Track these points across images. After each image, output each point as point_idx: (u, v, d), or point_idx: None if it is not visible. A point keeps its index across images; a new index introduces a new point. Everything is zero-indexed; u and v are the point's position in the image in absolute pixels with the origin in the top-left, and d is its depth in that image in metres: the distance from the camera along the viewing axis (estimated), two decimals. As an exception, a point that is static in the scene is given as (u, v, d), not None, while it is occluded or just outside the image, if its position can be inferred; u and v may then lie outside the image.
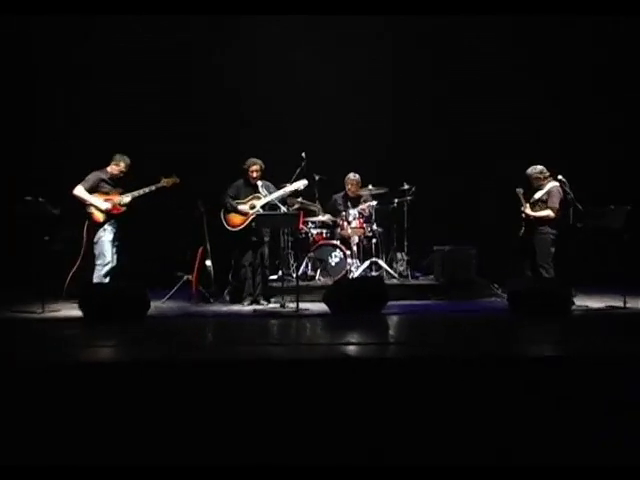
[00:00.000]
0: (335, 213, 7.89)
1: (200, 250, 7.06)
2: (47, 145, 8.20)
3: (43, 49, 8.21)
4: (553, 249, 6.69)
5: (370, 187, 7.85)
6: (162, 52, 8.37)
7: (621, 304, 6.18)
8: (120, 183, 6.76)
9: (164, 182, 6.75)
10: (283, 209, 6.85)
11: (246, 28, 8.35)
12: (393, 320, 5.88)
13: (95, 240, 6.56)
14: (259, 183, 6.89)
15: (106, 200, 6.59)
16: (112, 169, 6.71)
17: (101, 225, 6.56)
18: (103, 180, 6.65)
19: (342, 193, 8.06)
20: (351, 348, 4.56)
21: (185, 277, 7.02)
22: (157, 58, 8.38)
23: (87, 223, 6.60)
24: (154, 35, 8.31)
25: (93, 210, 6.55)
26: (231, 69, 8.45)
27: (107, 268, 6.52)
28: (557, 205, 6.66)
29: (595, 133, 8.43)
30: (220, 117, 8.54)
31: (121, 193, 6.68)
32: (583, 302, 6.34)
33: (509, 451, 3.20)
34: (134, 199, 6.68)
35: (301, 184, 6.99)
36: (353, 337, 5.01)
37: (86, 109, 8.29)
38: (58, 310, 6.18)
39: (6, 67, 8.01)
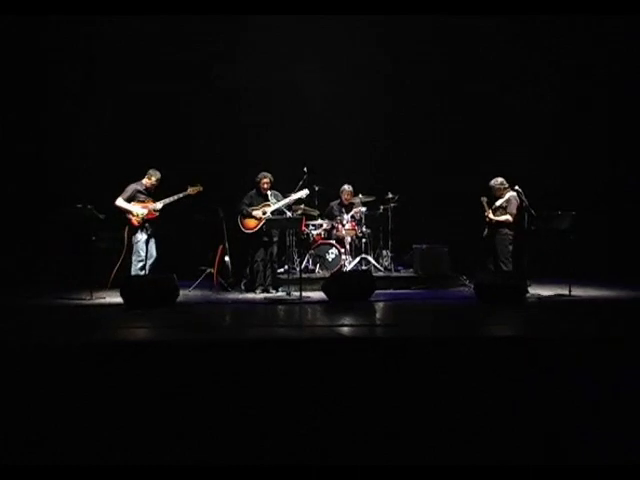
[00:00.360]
0: (331, 217, 7.88)
1: (220, 248, 7.04)
2: (92, 159, 7.96)
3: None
4: (511, 247, 6.67)
5: (361, 196, 7.84)
6: (166, 54, 7.71)
7: (567, 292, 6.19)
8: (153, 193, 6.76)
9: (190, 190, 6.72)
10: (289, 214, 6.86)
11: (252, 42, 7.77)
12: (380, 306, 5.86)
13: (134, 241, 6.58)
14: (269, 193, 6.90)
15: (142, 207, 6.61)
16: (147, 182, 6.73)
17: (138, 228, 6.57)
18: (139, 191, 6.66)
19: (338, 201, 8.04)
20: (345, 329, 4.57)
21: (208, 270, 7.00)
22: (162, 60, 7.77)
23: (127, 227, 6.62)
24: (176, 46, 7.65)
25: (131, 216, 6.57)
26: (236, 79, 7.88)
27: (142, 264, 6.53)
28: (514, 211, 6.65)
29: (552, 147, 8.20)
30: (214, 108, 8.09)
31: (154, 201, 6.68)
32: (536, 291, 6.33)
33: (474, 422, 3.15)
34: (165, 205, 6.66)
35: (303, 193, 7.01)
36: (347, 320, 5.01)
37: (117, 127, 7.93)
38: (104, 298, 6.17)
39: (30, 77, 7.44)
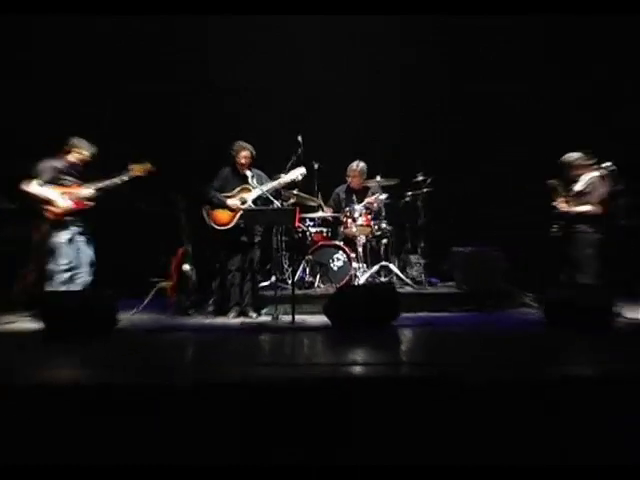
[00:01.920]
0: (337, 209, 7.88)
1: (179, 252, 7.05)
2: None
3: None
4: (594, 251, 6.68)
5: (378, 178, 7.86)
6: (166, 54, 9.04)
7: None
8: (82, 174, 6.73)
9: (135, 170, 6.71)
10: (277, 203, 6.82)
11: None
12: (406, 335, 5.88)
13: (53, 241, 6.53)
14: (248, 173, 6.89)
15: (66, 194, 6.54)
16: (72, 157, 6.67)
17: (60, 224, 6.51)
18: (60, 170, 6.59)
19: (345, 186, 8.06)
20: (357, 368, 4.55)
21: (160, 284, 7.01)
22: (162, 60, 9.03)
23: (41, 221, 6.56)
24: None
25: (49, 206, 6.49)
26: (236, 79, 9.03)
27: (68, 275, 6.51)
28: (598, 199, 6.64)
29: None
30: (203, 91, 9.02)
31: (81, 185, 6.63)
32: (632, 314, 6.30)
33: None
34: (99, 192, 6.64)
35: (298, 173, 7.00)
36: (359, 355, 5.00)
37: (43, 92, 8.55)
38: (12, 322, 6.17)
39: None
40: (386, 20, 8.75)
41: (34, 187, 6.47)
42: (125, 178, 6.70)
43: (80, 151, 6.68)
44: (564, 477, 3.30)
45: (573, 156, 6.84)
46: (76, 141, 6.68)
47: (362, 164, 7.91)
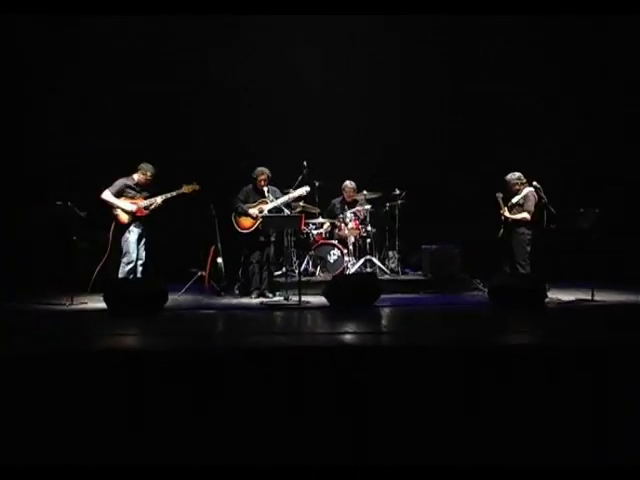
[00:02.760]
0: (333, 216, 7.88)
1: (212, 249, 7.05)
2: (72, 153, 7.96)
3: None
4: (529, 248, 6.66)
5: (365, 192, 7.82)
6: (166, 54, 8.01)
7: (589, 297, 6.17)
8: (145, 189, 6.73)
9: (185, 188, 6.68)
10: (287, 212, 6.85)
11: (249, 36, 8.02)
12: (385, 312, 5.85)
13: (122, 240, 6.55)
14: (266, 189, 6.89)
15: (132, 204, 6.59)
16: (139, 177, 6.68)
17: (127, 226, 6.55)
18: (128, 186, 6.63)
19: (340, 198, 8.04)
20: (348, 337, 4.56)
21: (199, 273, 7.01)
22: (162, 60, 8.03)
23: (113, 224, 6.58)
24: (164, 40, 7.92)
25: (119, 212, 6.54)
26: (236, 79, 8.09)
27: (131, 266, 6.52)
28: (532, 208, 6.63)
29: (568, 141, 8.26)
30: (214, 108, 8.23)
31: (146, 198, 6.66)
32: (556, 295, 6.31)
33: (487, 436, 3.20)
34: (158, 204, 6.64)
35: (304, 190, 7.01)
36: (350, 327, 4.99)
37: (103, 121, 7.99)
38: (85, 303, 6.15)
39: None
40: (386, 20, 7.74)
41: (106, 195, 6.51)
42: (175, 194, 6.65)
43: (145, 173, 6.66)
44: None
45: (515, 175, 6.77)
46: (144, 165, 6.67)
47: (353, 183, 7.90)
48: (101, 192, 6.53)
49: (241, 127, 8.25)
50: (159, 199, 6.63)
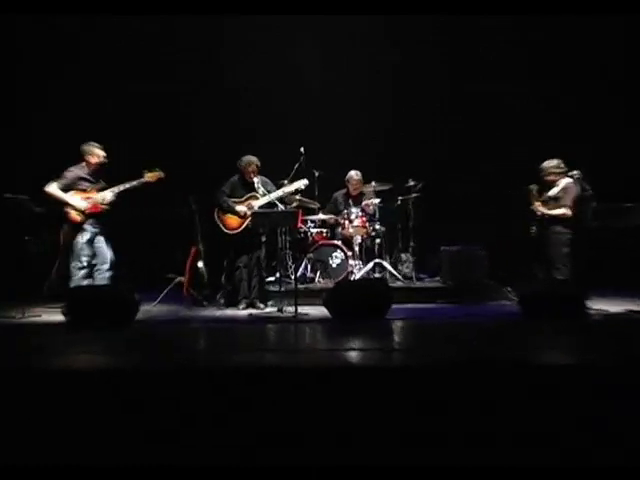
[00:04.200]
0: (336, 212, 7.88)
1: (192, 251, 7.05)
2: (25, 139, 8.27)
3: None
4: (568, 249, 6.66)
5: (373, 184, 7.85)
6: (166, 54, 8.71)
7: (639, 308, 6.18)
8: (101, 179, 6.72)
9: (147, 177, 6.65)
10: (281, 207, 6.83)
11: (246, 24, 8.51)
12: (398, 325, 5.87)
13: (74, 241, 6.52)
14: (255, 180, 6.87)
15: (85, 198, 6.53)
16: (90, 162, 6.62)
17: (79, 225, 6.51)
18: (81, 178, 6.58)
19: (343, 191, 8.07)
20: (353, 355, 4.55)
21: (176, 279, 7.02)
22: (162, 60, 8.70)
23: (64, 223, 6.56)
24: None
25: (70, 209, 6.49)
26: (229, 63, 8.76)
27: (84, 271, 6.51)
28: (571, 203, 6.63)
29: (611, 128, 8.46)
30: (214, 108, 8.72)
31: (100, 189, 6.61)
32: (600, 306, 6.32)
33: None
34: (116, 196, 6.61)
35: (301, 184, 7.01)
36: (355, 343, 4.99)
37: (66, 100, 8.40)
38: (39, 315, 6.17)
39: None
40: (386, 20, 8.40)
41: (53, 189, 6.47)
42: (135, 183, 6.63)
43: (96, 154, 6.62)
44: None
45: (553, 162, 6.78)
46: (86, 147, 6.62)
47: (360, 174, 7.91)
48: (46, 185, 6.45)
49: (241, 127, 8.61)
50: (116, 190, 6.58)
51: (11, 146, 8.23)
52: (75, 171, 6.58)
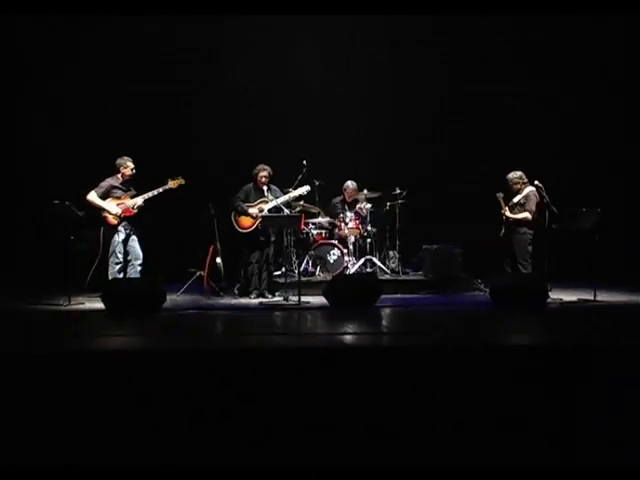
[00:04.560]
0: (333, 215, 7.89)
1: (211, 248, 7.05)
2: (64, 152, 7.94)
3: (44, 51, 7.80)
4: (530, 248, 6.69)
5: (365, 191, 7.84)
6: (166, 54, 8.09)
7: (592, 297, 6.19)
8: (132, 186, 6.74)
9: (171, 183, 6.66)
10: (287, 211, 6.86)
11: (248, 34, 8.07)
12: (386, 312, 5.87)
13: (111, 242, 6.56)
14: (265, 188, 6.89)
15: (118, 205, 6.59)
16: (123, 173, 6.67)
17: (115, 227, 6.56)
18: (115, 187, 6.63)
19: (340, 197, 8.05)
20: (348, 337, 4.58)
21: (198, 273, 7.00)
22: (162, 60, 8.11)
23: (103, 226, 6.61)
24: (157, 36, 7.95)
25: (107, 214, 6.55)
26: (229, 63, 8.18)
27: (119, 266, 6.54)
28: (534, 208, 6.64)
29: (571, 140, 8.29)
30: (214, 108, 8.27)
31: (133, 196, 6.66)
32: (558, 296, 6.33)
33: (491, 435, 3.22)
34: (145, 202, 6.64)
35: (304, 190, 7.03)
36: (350, 327, 5.01)
37: (66, 99, 7.96)
38: (82, 303, 6.17)
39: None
40: (386, 20, 7.78)
41: (92, 197, 6.51)
42: (161, 190, 6.63)
43: (127, 166, 6.65)
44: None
45: (517, 174, 6.77)
46: (121, 161, 6.65)
47: (355, 183, 7.89)
48: (87, 193, 6.52)
49: (241, 127, 8.26)
50: (140, 199, 6.60)
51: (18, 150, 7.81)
52: (110, 181, 6.64)
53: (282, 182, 7.23)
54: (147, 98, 7.98)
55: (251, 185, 7.00)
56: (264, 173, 6.87)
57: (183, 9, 6.85)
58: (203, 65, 8.20)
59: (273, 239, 7.06)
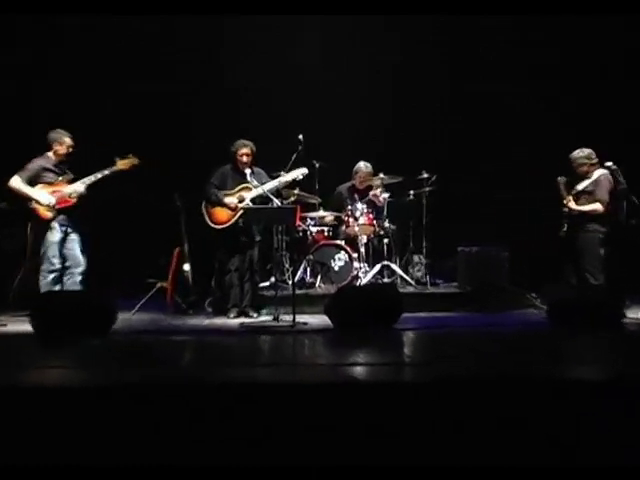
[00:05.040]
0: (339, 208, 7.88)
1: (176, 252, 7.08)
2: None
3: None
4: (602, 251, 6.71)
5: (382, 176, 7.85)
6: (166, 54, 9.10)
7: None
8: (69, 168, 6.75)
9: (120, 164, 6.68)
10: (277, 202, 6.82)
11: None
12: (409, 336, 5.89)
13: (44, 240, 6.54)
14: (248, 171, 6.87)
15: (52, 192, 6.54)
16: (56, 151, 6.65)
17: (48, 223, 6.52)
18: (47, 169, 6.60)
19: (348, 184, 8.09)
20: (358, 369, 4.57)
21: (158, 284, 7.04)
22: (162, 60, 9.08)
23: (31, 220, 6.60)
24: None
25: (36, 205, 6.49)
26: (229, 63, 9.16)
27: (54, 275, 6.54)
28: (607, 197, 6.66)
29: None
30: (214, 108, 8.99)
31: (70, 182, 6.63)
32: (637, 314, 6.31)
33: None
34: (87, 188, 6.62)
35: (299, 173, 7.01)
36: (360, 356, 4.99)
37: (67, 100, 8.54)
38: (4, 325, 6.20)
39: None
40: (386, 20, 8.81)
41: (15, 182, 6.47)
42: (107, 172, 6.66)
43: (62, 142, 6.64)
44: (563, 477, 3.33)
45: (584, 152, 6.82)
46: (53, 134, 6.66)
47: (370, 166, 7.93)
48: (9, 179, 6.48)
49: (241, 127, 8.55)
50: (87, 181, 6.60)
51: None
52: (38, 162, 6.59)
53: (273, 165, 7.37)
54: (147, 98, 8.79)
55: (229, 167, 7.01)
56: (245, 150, 6.87)
57: (183, 9, 7.85)
58: (203, 65, 9.24)
59: (258, 239, 7.08)
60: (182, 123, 9.05)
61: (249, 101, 9.19)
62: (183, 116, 9.10)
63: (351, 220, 7.65)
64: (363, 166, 7.97)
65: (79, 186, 6.59)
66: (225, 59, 9.22)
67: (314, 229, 7.74)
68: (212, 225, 6.90)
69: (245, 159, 6.89)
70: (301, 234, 7.77)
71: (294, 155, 7.38)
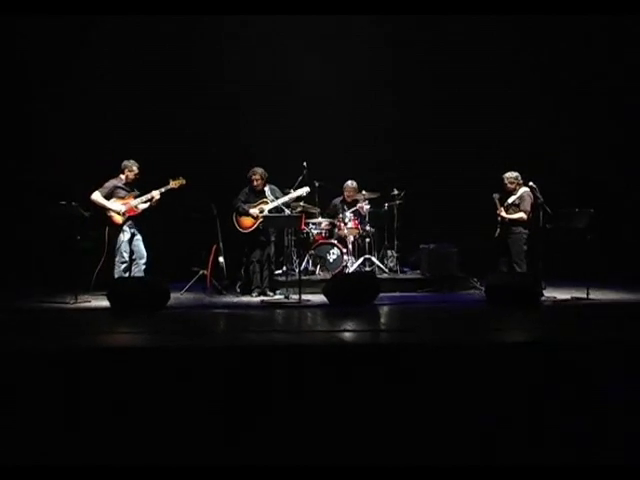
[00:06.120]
0: (333, 215, 7.88)
1: (214, 248, 7.06)
2: (73, 154, 7.84)
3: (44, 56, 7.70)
4: (525, 247, 6.68)
5: (364, 192, 7.83)
6: (166, 54, 8.03)
7: (584, 295, 6.20)
8: (136, 187, 6.76)
9: (172, 184, 6.70)
10: (287, 212, 6.87)
11: (247, 37, 8.05)
12: (384, 310, 5.89)
13: (116, 240, 6.59)
14: (266, 188, 6.90)
15: (123, 204, 6.61)
16: (127, 175, 6.70)
17: (120, 226, 6.58)
18: (119, 187, 6.66)
19: (340, 198, 8.04)
20: (347, 335, 4.59)
21: (201, 272, 6.99)
22: (162, 60, 8.04)
23: (107, 226, 6.62)
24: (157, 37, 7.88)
25: (112, 213, 6.57)
26: (229, 63, 8.13)
27: (124, 265, 6.57)
28: (528, 208, 6.63)
29: (565, 144, 8.30)
30: (213, 108, 8.17)
31: (135, 197, 6.68)
32: (551, 294, 6.34)
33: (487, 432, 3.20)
34: (148, 201, 6.66)
35: (304, 191, 7.03)
36: (349, 325, 5.02)
37: (96, 118, 7.92)
38: (88, 301, 6.17)
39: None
40: (386, 20, 7.75)
41: (96, 196, 6.53)
42: (163, 190, 6.66)
43: (132, 169, 6.68)
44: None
45: (513, 174, 6.76)
46: (126, 162, 6.68)
47: (355, 183, 7.89)
48: (91, 193, 6.54)
49: (241, 127, 8.24)
50: (149, 196, 6.63)
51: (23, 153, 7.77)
52: (113, 182, 6.67)
53: (283, 183, 7.21)
54: (146, 98, 7.96)
55: (248, 187, 6.99)
56: (255, 177, 6.86)
57: (183, 9, 6.84)
58: (203, 65, 8.15)
59: (274, 239, 7.06)
60: (182, 123, 7.99)
61: (249, 101, 8.06)
62: (183, 116, 7.99)
63: (342, 225, 7.61)
64: (350, 183, 7.91)
65: (142, 200, 6.65)
66: (225, 59, 7.88)
67: (315, 231, 7.66)
68: (240, 230, 6.93)
69: (256, 182, 6.86)
70: (305, 235, 7.74)
71: (300, 177, 7.33)
